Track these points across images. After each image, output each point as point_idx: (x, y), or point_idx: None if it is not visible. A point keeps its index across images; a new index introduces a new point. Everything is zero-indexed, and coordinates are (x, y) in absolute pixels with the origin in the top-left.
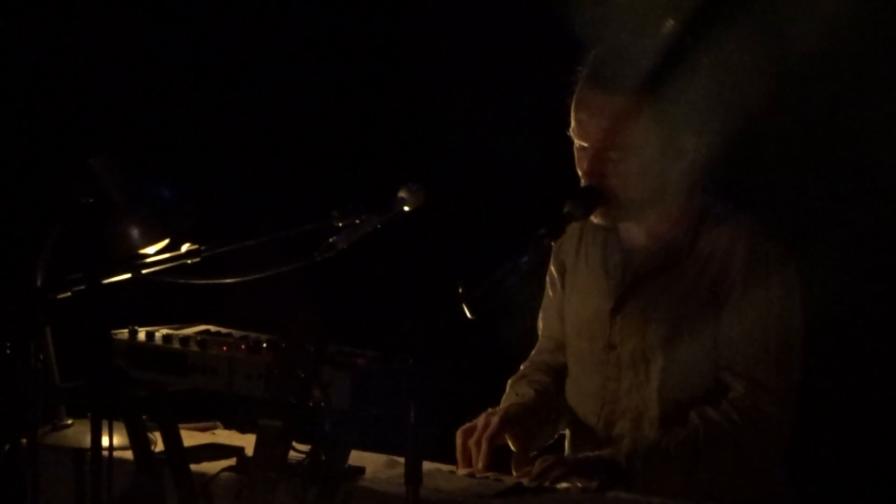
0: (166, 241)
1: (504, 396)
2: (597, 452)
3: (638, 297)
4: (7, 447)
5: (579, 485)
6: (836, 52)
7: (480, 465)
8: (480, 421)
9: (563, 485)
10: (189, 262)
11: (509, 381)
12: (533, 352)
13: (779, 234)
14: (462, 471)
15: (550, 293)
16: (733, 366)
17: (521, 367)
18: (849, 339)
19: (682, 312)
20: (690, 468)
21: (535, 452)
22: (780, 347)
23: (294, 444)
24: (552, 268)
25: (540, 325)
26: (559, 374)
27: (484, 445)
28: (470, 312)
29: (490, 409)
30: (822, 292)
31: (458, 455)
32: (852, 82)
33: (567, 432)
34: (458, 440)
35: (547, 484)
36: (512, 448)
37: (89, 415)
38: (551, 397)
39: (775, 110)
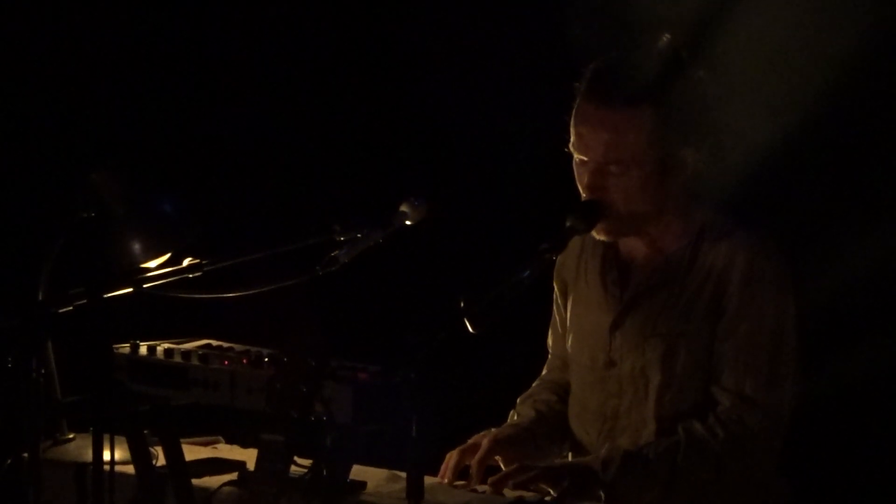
0: (168, 256)
1: (509, 415)
2: (575, 460)
3: (637, 313)
4: (8, 462)
5: (551, 491)
6: (835, 60)
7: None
8: (471, 442)
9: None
10: (190, 276)
11: (518, 400)
12: (544, 370)
13: (777, 250)
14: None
15: (555, 313)
16: (722, 380)
17: (533, 385)
18: (851, 348)
19: (680, 329)
20: (669, 479)
21: None
22: (771, 363)
23: (296, 458)
24: (555, 286)
25: (549, 342)
26: (567, 391)
27: (473, 469)
28: (472, 327)
29: (483, 432)
30: (822, 301)
31: (447, 472)
32: (851, 87)
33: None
34: (451, 460)
35: (511, 486)
36: (503, 469)
37: (91, 429)
38: (554, 417)
39: (774, 119)
